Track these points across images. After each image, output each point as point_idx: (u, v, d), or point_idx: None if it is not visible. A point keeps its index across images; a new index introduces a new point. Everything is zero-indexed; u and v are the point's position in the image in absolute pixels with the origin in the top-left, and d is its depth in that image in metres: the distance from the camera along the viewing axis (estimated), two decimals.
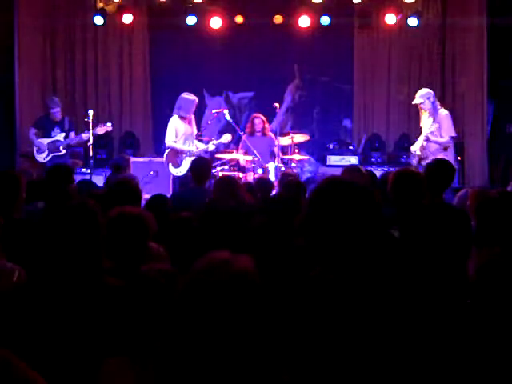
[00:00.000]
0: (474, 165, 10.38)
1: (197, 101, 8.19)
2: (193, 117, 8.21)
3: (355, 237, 2.01)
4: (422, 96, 7.83)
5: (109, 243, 2.77)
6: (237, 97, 11.30)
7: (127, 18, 10.36)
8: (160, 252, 3.38)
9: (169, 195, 5.84)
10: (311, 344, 1.95)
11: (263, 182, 6.36)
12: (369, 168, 8.24)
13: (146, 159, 9.62)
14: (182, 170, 7.97)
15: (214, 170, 7.96)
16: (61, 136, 8.52)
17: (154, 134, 11.02)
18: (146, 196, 5.13)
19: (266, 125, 9.01)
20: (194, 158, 7.24)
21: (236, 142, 9.51)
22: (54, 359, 2.31)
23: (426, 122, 7.80)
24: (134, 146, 10.66)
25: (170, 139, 8.06)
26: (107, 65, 10.91)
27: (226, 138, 8.32)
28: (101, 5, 10.15)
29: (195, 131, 8.27)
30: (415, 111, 8.63)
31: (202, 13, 10.17)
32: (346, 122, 11.26)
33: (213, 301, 1.67)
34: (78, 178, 6.90)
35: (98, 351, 2.20)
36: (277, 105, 9.00)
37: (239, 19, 10.50)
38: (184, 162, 7.95)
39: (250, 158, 8.52)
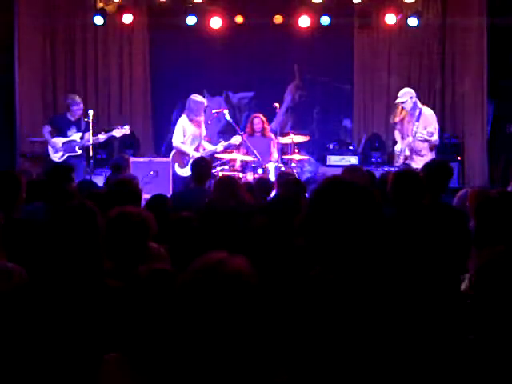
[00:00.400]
0: (474, 165, 10.37)
1: (206, 103, 8.24)
2: (202, 118, 8.25)
3: (355, 237, 2.01)
4: (405, 95, 7.89)
5: (109, 243, 2.77)
6: (237, 97, 11.29)
7: (127, 18, 10.35)
8: (160, 252, 3.38)
9: (169, 195, 5.84)
10: (311, 344, 1.95)
11: (263, 182, 6.36)
12: (369, 168, 8.26)
13: (146, 159, 9.61)
14: (188, 170, 7.98)
15: (213, 170, 7.96)
16: (77, 136, 8.39)
17: (154, 134, 11.02)
18: (146, 196, 5.13)
19: (266, 125, 9.01)
20: None
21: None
22: (54, 359, 2.31)
23: (407, 121, 7.85)
24: (134, 146, 10.65)
25: (177, 140, 8.09)
26: (107, 65, 10.90)
27: (236, 139, 8.35)
28: (101, 5, 10.15)
29: (204, 133, 8.31)
30: None
31: (202, 13, 10.16)
32: (346, 122, 11.26)
33: (207, 301, 1.67)
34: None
35: (96, 351, 2.20)
36: (277, 105, 9.00)
37: (239, 19, 10.50)
38: (190, 162, 7.96)
39: (250, 158, 8.52)
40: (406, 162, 7.68)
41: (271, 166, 8.44)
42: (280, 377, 1.76)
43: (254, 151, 8.34)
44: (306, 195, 5.25)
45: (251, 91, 11.20)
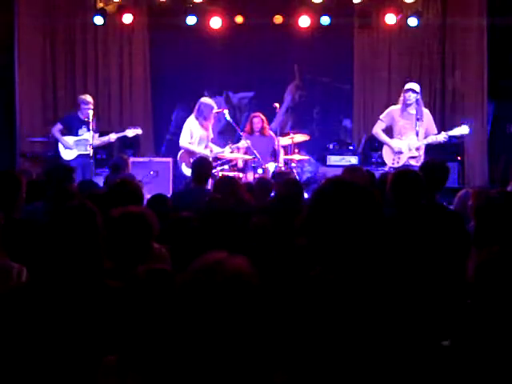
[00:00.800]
0: (474, 165, 10.37)
1: (215, 108, 8.26)
2: (212, 121, 8.29)
3: (356, 237, 2.01)
4: (416, 86, 7.71)
5: (113, 244, 2.77)
6: (237, 97, 11.29)
7: (127, 18, 10.35)
8: (162, 252, 3.38)
9: (169, 195, 5.84)
10: (310, 344, 1.94)
11: (263, 182, 6.36)
12: (369, 168, 8.25)
13: (146, 159, 9.63)
14: None
15: (214, 170, 7.97)
16: (88, 135, 8.35)
17: (154, 134, 11.02)
18: (146, 196, 5.13)
19: (266, 124, 9.01)
20: None
21: (236, 142, 9.50)
22: (53, 360, 2.31)
23: (410, 119, 7.66)
24: (134, 146, 10.64)
25: (184, 140, 8.12)
26: (107, 65, 10.90)
27: (243, 143, 8.36)
28: (101, 5, 10.14)
29: (211, 135, 8.33)
30: None
31: (202, 13, 10.16)
32: (346, 122, 11.25)
33: (208, 301, 1.67)
34: None
35: (96, 352, 2.20)
36: (277, 105, 9.00)
37: (239, 19, 10.50)
38: None
39: (249, 157, 8.53)
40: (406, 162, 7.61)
41: (271, 166, 8.44)
42: (280, 377, 1.76)
43: (254, 151, 8.34)
44: (306, 195, 5.26)
45: (251, 91, 11.20)
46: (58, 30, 10.67)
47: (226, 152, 8.38)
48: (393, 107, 7.89)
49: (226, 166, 8.70)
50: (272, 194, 5.86)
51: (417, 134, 7.57)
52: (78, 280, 2.44)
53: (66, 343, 2.33)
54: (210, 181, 6.90)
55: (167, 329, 1.77)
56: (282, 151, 8.87)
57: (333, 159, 10.23)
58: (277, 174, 6.99)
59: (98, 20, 10.08)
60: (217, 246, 2.08)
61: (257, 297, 1.72)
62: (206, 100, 8.31)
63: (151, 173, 8.97)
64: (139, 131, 8.71)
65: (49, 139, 9.84)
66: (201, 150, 8.08)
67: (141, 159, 9.60)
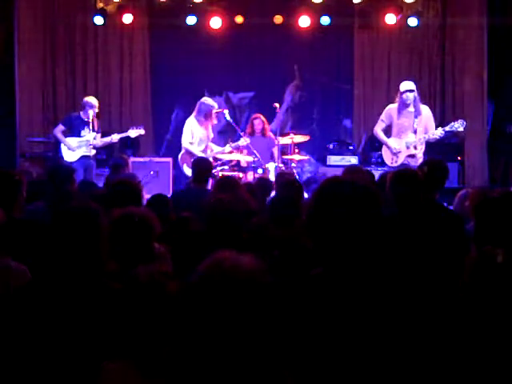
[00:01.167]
0: (474, 165, 10.37)
1: (216, 108, 8.25)
2: (215, 122, 8.30)
3: (357, 237, 2.02)
4: (412, 85, 7.70)
5: (114, 245, 2.77)
6: (237, 97, 11.30)
7: (127, 18, 10.35)
8: (162, 252, 3.38)
9: (169, 195, 5.85)
10: (314, 344, 1.94)
11: (263, 182, 6.36)
12: (369, 168, 8.24)
13: (146, 159, 9.63)
14: None
15: (213, 170, 7.97)
16: (91, 136, 8.31)
17: (154, 134, 11.01)
18: (146, 196, 5.13)
19: (266, 125, 9.02)
20: None
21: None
22: (54, 361, 2.31)
23: (409, 117, 7.64)
24: (134, 146, 10.65)
25: (186, 141, 8.12)
26: (107, 65, 10.90)
27: (243, 141, 8.36)
28: (101, 5, 10.14)
29: (211, 135, 8.33)
30: None
31: (202, 13, 10.17)
32: (346, 122, 11.26)
33: (223, 302, 1.64)
34: None
35: (98, 353, 2.19)
36: (277, 105, 9.00)
37: (239, 19, 10.50)
38: None
39: (250, 158, 8.53)
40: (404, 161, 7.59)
41: (271, 166, 8.44)
42: (286, 381, 1.74)
43: (254, 151, 8.35)
44: (306, 195, 5.26)
45: (251, 91, 11.20)
46: (58, 30, 10.67)
47: (227, 150, 8.36)
48: (390, 106, 7.89)
49: (226, 166, 8.70)
50: (272, 194, 5.86)
51: (415, 132, 7.57)
52: (80, 281, 2.44)
53: (66, 344, 2.33)
54: (210, 181, 6.90)
55: (170, 331, 1.75)
56: (275, 151, 8.85)
57: (333, 159, 10.23)
58: (279, 174, 6.99)
59: (98, 20, 10.08)
60: (216, 246, 2.08)
61: (270, 296, 1.70)
62: (206, 100, 8.33)
63: (151, 173, 8.97)
64: (142, 131, 8.68)
65: (49, 139, 9.85)
66: (199, 152, 8.08)
67: (141, 159, 9.61)
